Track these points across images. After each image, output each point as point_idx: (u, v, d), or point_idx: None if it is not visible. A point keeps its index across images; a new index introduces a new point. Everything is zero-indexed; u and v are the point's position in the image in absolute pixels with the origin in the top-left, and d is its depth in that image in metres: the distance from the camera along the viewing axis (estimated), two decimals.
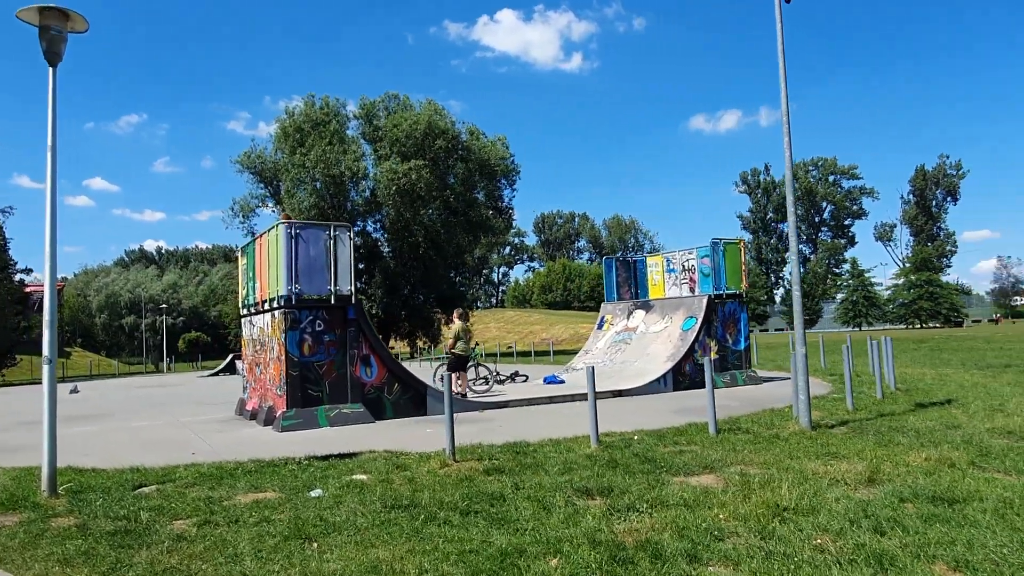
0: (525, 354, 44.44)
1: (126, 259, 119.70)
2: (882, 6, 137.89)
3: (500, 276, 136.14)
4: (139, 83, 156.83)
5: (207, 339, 68.71)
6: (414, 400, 12.46)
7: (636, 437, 9.18)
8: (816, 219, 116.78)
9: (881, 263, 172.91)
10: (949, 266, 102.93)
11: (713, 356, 15.64)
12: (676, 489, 6.21)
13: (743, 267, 16.33)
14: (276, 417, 11.50)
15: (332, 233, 11.85)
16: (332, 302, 11.78)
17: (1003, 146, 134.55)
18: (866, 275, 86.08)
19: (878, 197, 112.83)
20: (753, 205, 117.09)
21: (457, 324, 14.48)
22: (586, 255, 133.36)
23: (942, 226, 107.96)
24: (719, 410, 10.85)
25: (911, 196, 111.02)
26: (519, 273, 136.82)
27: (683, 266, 17.69)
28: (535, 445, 8.78)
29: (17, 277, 41.56)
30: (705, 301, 15.70)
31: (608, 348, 17.58)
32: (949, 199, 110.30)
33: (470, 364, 15.20)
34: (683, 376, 15.22)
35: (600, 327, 18.67)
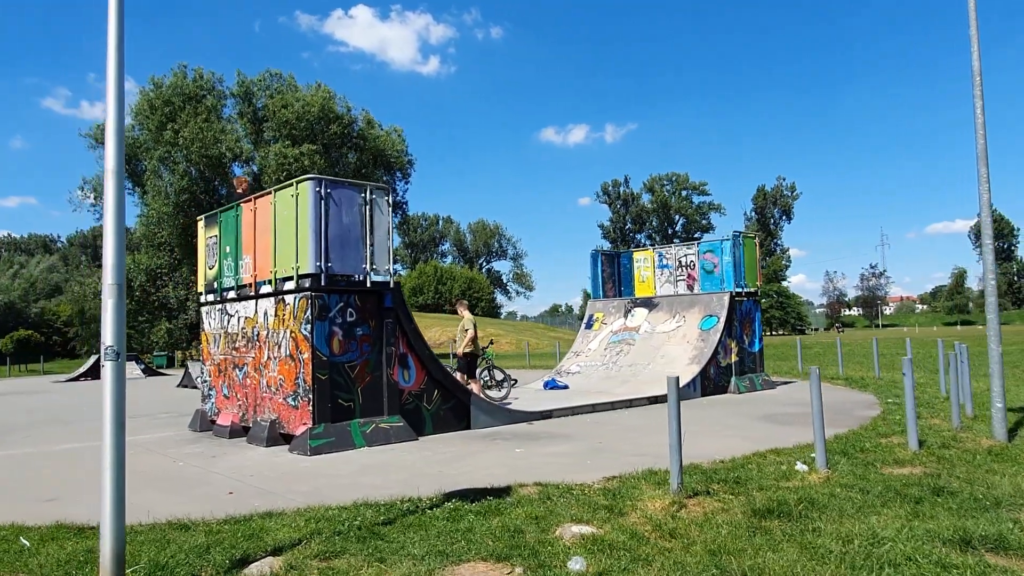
0: None
1: None
2: (747, 29, 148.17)
3: None
4: None
5: (40, 338, 59.17)
6: (455, 411, 10.04)
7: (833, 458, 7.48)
8: (670, 231, 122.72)
9: None
10: (786, 279, 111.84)
11: (734, 359, 14.45)
12: None
13: (759, 264, 15.29)
14: (296, 435, 8.67)
15: (368, 197, 9.21)
16: (367, 286, 9.13)
17: (827, 172, 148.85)
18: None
19: (725, 212, 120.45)
20: (613, 215, 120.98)
21: (468, 316, 12.14)
22: (450, 258, 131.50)
23: (779, 242, 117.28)
24: (795, 417, 9.52)
25: (753, 213, 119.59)
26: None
27: (679, 262, 16.43)
28: (723, 468, 6.83)
29: None
30: (727, 299, 14.46)
31: (606, 349, 15.90)
32: (784, 218, 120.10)
33: (484, 366, 12.90)
34: (708, 380, 13.87)
35: (589, 326, 16.95)
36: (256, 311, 9.81)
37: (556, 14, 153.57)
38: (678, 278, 16.36)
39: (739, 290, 14.70)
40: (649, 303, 16.13)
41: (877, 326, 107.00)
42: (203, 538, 4.94)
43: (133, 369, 28.71)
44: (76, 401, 18.17)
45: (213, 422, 10.82)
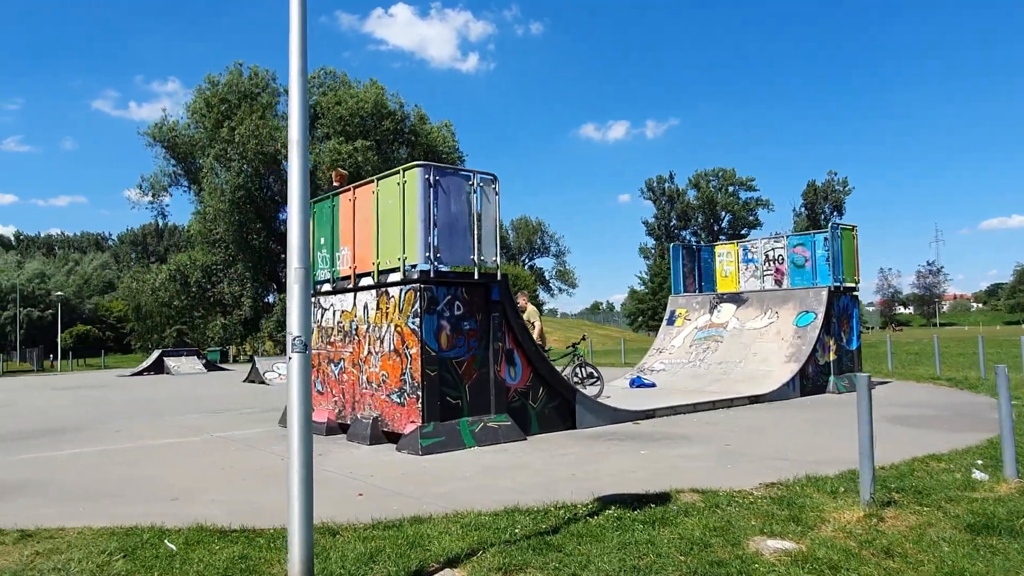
0: None
1: None
2: (790, 23, 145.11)
3: None
4: None
5: (98, 333, 60.56)
6: (560, 410, 9.59)
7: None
8: (716, 227, 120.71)
9: None
10: None
11: (832, 357, 13.73)
12: None
13: (857, 257, 14.53)
14: (404, 433, 8.31)
15: (475, 184, 8.80)
16: (475, 277, 8.73)
17: (885, 168, 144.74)
18: None
19: (773, 208, 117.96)
20: (658, 212, 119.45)
21: (531, 308, 11.63)
22: None
23: None
24: (926, 419, 8.71)
25: (803, 209, 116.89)
26: None
27: (766, 256, 15.72)
28: (891, 476, 6.24)
29: None
30: (825, 294, 13.73)
31: (691, 347, 15.29)
32: (836, 213, 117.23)
33: (575, 363, 12.42)
34: (807, 379, 13.18)
35: (671, 323, 16.35)
36: (355, 304, 9.48)
37: (596, 9, 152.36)
38: (765, 272, 15.67)
39: (837, 285, 13.96)
40: (737, 298, 15.47)
41: (934, 325, 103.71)
42: (359, 545, 4.56)
43: (195, 364, 28.97)
44: (151, 395, 18.20)
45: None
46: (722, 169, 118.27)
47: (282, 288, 43.82)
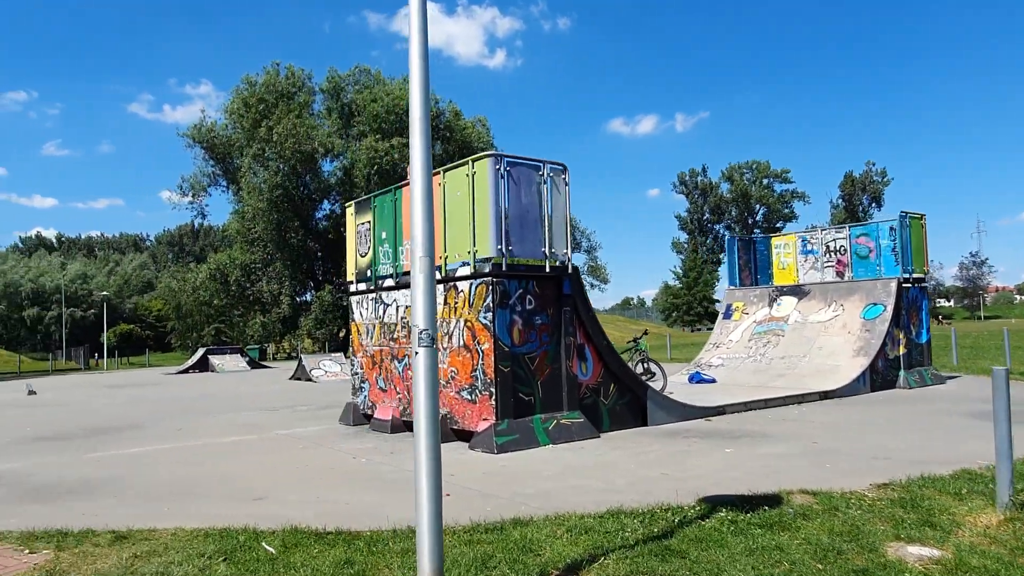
0: None
1: (21, 246, 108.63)
2: (825, 14, 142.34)
3: None
4: (27, 57, 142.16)
5: (140, 332, 61.63)
6: (631, 406, 9.31)
7: None
8: (750, 221, 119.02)
9: None
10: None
11: (901, 351, 13.23)
12: None
13: (925, 246, 13.98)
14: (476, 431, 8.10)
15: (545, 174, 8.55)
16: (547, 270, 8.47)
17: (924, 158, 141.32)
18: None
19: (809, 201, 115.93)
20: (690, 206, 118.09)
21: None
22: None
23: None
24: (1018, 415, 8.20)
25: (840, 201, 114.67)
26: None
27: (826, 247, 15.23)
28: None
29: None
30: (894, 286, 13.24)
31: (750, 341, 14.88)
32: (874, 205, 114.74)
33: (637, 358, 12.12)
34: (876, 374, 12.71)
35: (728, 317, 15.95)
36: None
37: (622, 2, 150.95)
38: (825, 264, 15.18)
39: (906, 276, 13.44)
40: (798, 291, 15.00)
41: (979, 318, 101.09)
42: (467, 550, 4.33)
43: (239, 362, 29.19)
44: (201, 393, 18.27)
45: (368, 416, 10.41)
46: (756, 162, 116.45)
47: (319, 286, 44.05)
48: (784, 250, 16.11)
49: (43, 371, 40.42)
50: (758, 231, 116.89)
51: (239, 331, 46.79)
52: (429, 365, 3.37)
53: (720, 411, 10.12)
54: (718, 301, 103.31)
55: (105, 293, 56.71)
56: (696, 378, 13.92)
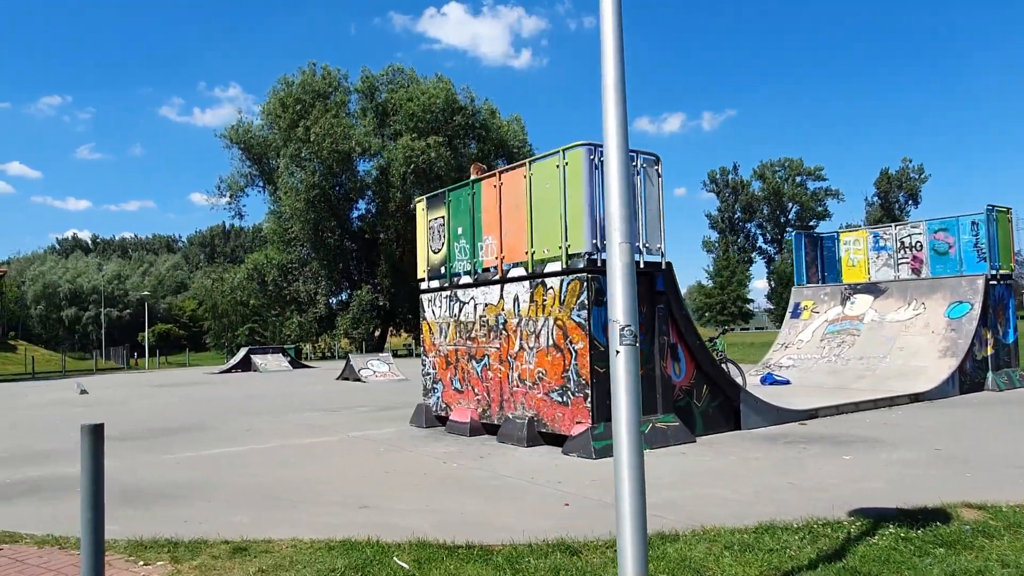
0: None
1: (58, 247, 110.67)
2: (850, 9, 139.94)
3: None
4: (60, 63, 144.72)
5: (179, 332, 62.29)
6: (723, 409, 8.86)
7: None
8: (782, 219, 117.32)
9: None
10: None
11: (989, 351, 12.60)
12: None
13: (1012, 241, 13.33)
14: (570, 435, 7.71)
15: (638, 165, 8.13)
16: (641, 266, 8.06)
17: (962, 154, 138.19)
18: None
19: (843, 199, 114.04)
20: (721, 204, 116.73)
21: None
22: None
23: None
24: None
25: (875, 198, 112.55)
26: None
27: (901, 243, 14.62)
28: None
29: None
30: (981, 283, 12.62)
31: (822, 341, 14.32)
32: (911, 202, 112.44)
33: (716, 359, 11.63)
34: (964, 375, 12.11)
35: (796, 316, 15.40)
36: (502, 297, 8.93)
37: (648, 1, 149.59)
38: (900, 261, 14.57)
39: (993, 272, 12.81)
40: (874, 288, 14.41)
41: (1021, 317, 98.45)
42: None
43: (281, 361, 29.13)
44: (252, 392, 18.10)
45: (441, 418, 10.07)
46: (789, 159, 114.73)
47: (355, 286, 44.02)
48: (854, 246, 15.51)
49: (87, 370, 40.86)
50: (791, 230, 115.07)
51: (275, 331, 46.98)
52: (631, 366, 3.00)
53: (812, 414, 9.63)
54: (752, 301, 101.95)
55: (147, 293, 57.33)
56: (769, 379, 13.41)
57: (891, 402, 10.70)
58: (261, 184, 46.08)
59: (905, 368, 12.38)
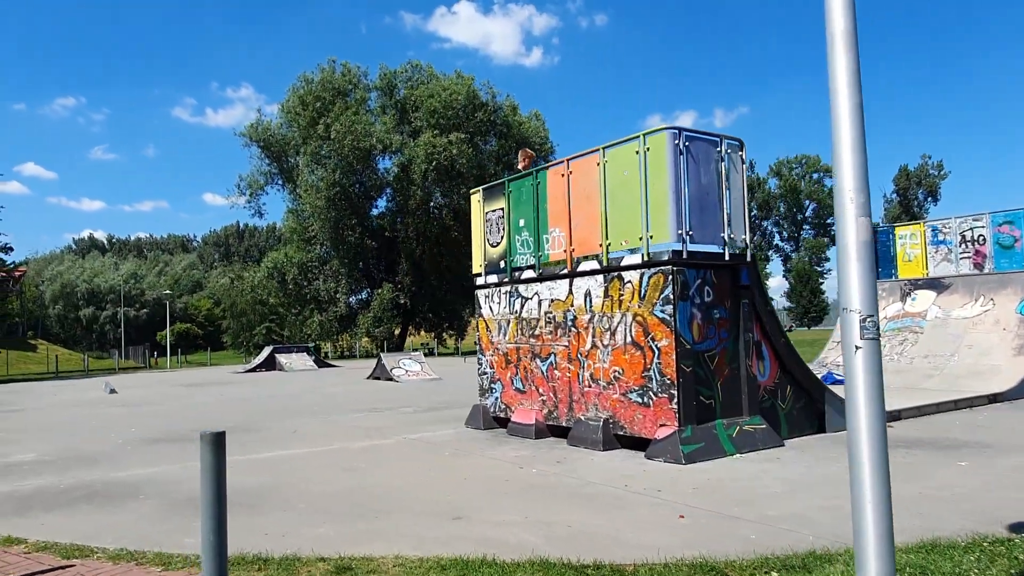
0: None
1: (74, 247, 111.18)
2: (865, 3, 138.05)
3: None
4: (74, 64, 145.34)
5: (198, 331, 62.23)
6: (806, 410, 8.36)
7: None
8: (799, 217, 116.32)
9: None
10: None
11: None
12: None
13: None
14: (655, 438, 7.22)
15: (723, 150, 7.64)
16: (726, 259, 7.56)
17: (982, 150, 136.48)
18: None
19: None
20: None
21: None
22: None
23: None
24: None
25: (894, 195, 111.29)
26: None
27: (962, 236, 14.01)
28: None
29: None
30: None
31: (882, 339, 13.74)
32: (930, 199, 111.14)
33: None
34: None
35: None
36: (571, 292, 8.45)
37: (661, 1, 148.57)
38: (961, 255, 13.97)
39: None
40: (936, 284, 13.83)
41: None
42: None
43: (306, 361, 28.79)
44: (286, 392, 17.71)
45: (500, 419, 9.62)
46: (806, 156, 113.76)
47: (375, 284, 43.65)
48: (911, 240, 14.92)
49: (108, 369, 40.70)
50: (807, 227, 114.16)
51: (295, 330, 46.72)
52: (873, 363, 2.51)
53: (896, 416, 9.11)
54: (772, 299, 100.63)
55: (168, 291, 57.29)
56: (830, 379, 12.83)
57: (970, 403, 10.16)
58: (280, 182, 45.79)
59: (977, 367, 11.82)
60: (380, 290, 41.18)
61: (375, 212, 45.68)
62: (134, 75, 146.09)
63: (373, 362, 32.90)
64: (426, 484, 6.47)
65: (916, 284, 14.09)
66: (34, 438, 10.58)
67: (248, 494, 6.26)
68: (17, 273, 40.42)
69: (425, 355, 24.09)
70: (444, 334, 46.60)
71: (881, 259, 15.41)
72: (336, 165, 40.13)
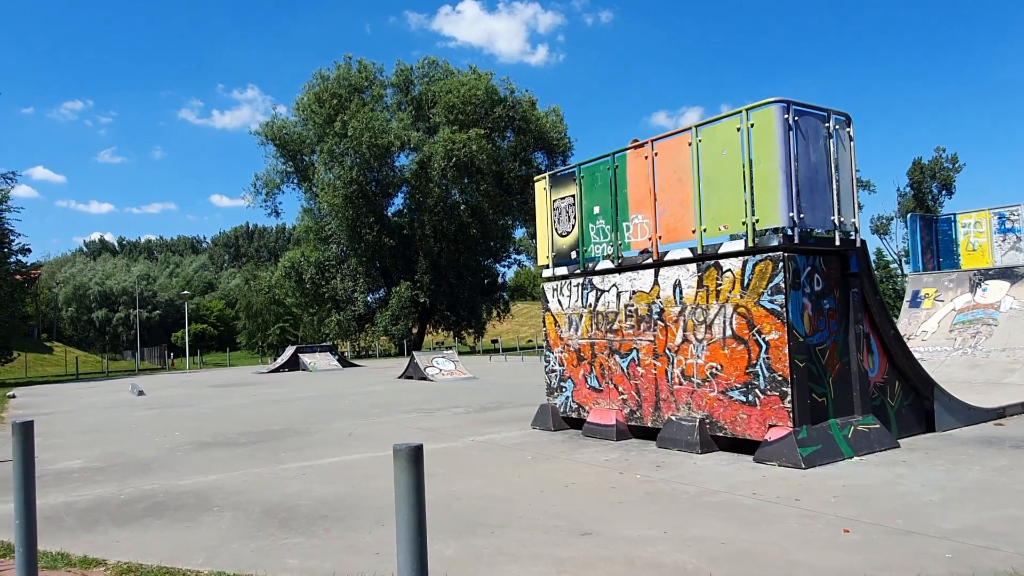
0: None
1: (85, 250, 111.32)
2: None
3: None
4: (82, 68, 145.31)
5: (213, 332, 61.87)
6: (914, 408, 7.74)
7: None
8: None
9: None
10: None
11: None
12: None
13: None
14: (768, 440, 6.61)
15: (831, 126, 7.02)
16: (836, 243, 6.96)
17: (996, 142, 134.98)
18: (891, 267, 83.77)
19: (874, 190, 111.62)
20: None
21: None
22: None
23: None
24: None
25: (908, 189, 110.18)
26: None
27: None
28: None
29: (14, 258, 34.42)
30: None
31: (951, 332, 13.11)
32: (944, 192, 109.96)
33: None
34: None
35: (915, 305, 14.18)
36: (656, 282, 7.85)
37: None
38: None
39: None
40: (1009, 274, 13.16)
41: None
42: None
43: (330, 360, 28.27)
44: (321, 392, 17.15)
45: (571, 420, 9.03)
46: None
47: (393, 283, 43.11)
48: (975, 229, 14.27)
49: (128, 371, 40.32)
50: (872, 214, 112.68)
51: (312, 330, 46.25)
52: None
53: (1001, 413, 8.48)
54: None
55: (186, 292, 56.92)
56: None
57: None
58: (295, 181, 45.30)
59: None
60: (398, 288, 40.63)
61: (392, 210, 45.18)
62: (141, 78, 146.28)
63: (395, 361, 32.47)
64: (525, 493, 5.88)
65: (986, 274, 13.43)
66: (75, 443, 10.05)
67: (332, 505, 5.69)
68: (33, 275, 40.02)
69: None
70: (463, 332, 46.01)
71: (943, 249, 14.78)
72: (353, 162, 39.61)
